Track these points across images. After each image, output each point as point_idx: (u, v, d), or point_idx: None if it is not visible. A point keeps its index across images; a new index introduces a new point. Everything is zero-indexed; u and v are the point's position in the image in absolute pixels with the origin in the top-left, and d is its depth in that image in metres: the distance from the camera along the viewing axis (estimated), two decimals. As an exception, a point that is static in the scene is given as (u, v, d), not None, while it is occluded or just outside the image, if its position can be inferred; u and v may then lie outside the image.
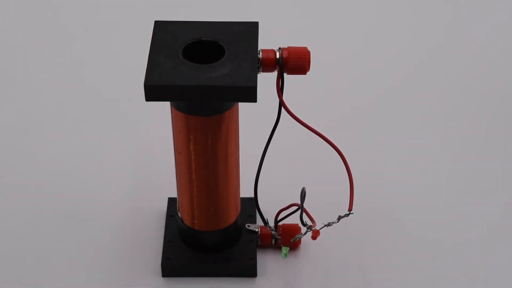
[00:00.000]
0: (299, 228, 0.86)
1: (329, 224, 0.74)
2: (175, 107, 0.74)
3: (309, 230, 0.75)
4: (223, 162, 0.77)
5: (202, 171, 0.78)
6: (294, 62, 0.72)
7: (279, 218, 0.85)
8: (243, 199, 0.87)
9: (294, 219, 0.84)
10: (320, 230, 0.73)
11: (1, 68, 1.15)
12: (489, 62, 1.17)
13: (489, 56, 1.18)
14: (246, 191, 0.87)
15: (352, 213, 0.72)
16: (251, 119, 0.93)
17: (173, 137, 0.77)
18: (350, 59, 1.16)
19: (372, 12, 1.26)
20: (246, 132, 0.85)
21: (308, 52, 0.73)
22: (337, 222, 0.73)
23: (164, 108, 0.85)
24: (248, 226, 0.86)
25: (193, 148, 0.76)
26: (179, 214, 0.84)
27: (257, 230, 0.86)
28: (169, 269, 0.84)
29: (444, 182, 0.97)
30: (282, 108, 0.73)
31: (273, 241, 0.87)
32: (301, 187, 0.78)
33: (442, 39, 1.21)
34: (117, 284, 0.85)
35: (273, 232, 0.81)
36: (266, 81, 0.79)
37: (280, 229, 0.86)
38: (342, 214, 0.73)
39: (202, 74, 0.69)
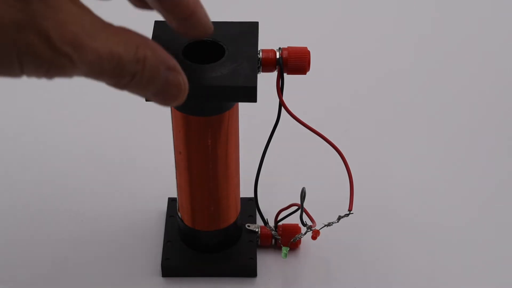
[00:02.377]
0: (299, 228, 0.86)
1: (329, 224, 0.74)
2: (175, 107, 0.74)
3: (309, 230, 0.75)
4: (223, 162, 0.77)
5: (202, 171, 0.78)
6: (294, 62, 0.72)
7: (279, 218, 0.85)
8: (243, 199, 0.87)
9: (294, 219, 0.84)
10: (320, 230, 0.73)
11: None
12: (491, 58, 1.18)
13: (492, 51, 1.19)
14: (246, 191, 0.87)
15: (352, 213, 0.72)
16: (251, 119, 0.93)
17: (173, 137, 0.77)
18: (350, 59, 1.16)
19: (373, 11, 1.26)
20: (246, 132, 0.85)
21: (308, 52, 0.73)
22: (337, 222, 0.73)
23: (164, 107, 0.85)
24: (248, 226, 0.86)
25: (193, 148, 0.76)
26: (179, 214, 0.84)
27: (257, 230, 0.86)
28: (169, 269, 0.84)
29: (446, 181, 0.97)
30: (282, 108, 0.73)
31: (273, 241, 0.87)
32: (301, 187, 0.77)
33: (444, 40, 1.21)
34: (117, 284, 0.84)
35: (273, 232, 0.81)
36: (266, 81, 0.78)
37: (280, 229, 0.86)
38: (342, 214, 0.73)
39: (202, 75, 0.69)
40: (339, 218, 0.73)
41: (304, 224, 0.76)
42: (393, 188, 0.95)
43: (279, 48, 0.73)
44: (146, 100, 0.70)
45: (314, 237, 0.73)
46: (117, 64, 0.53)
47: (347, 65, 1.15)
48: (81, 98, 1.09)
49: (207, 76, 0.69)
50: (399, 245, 0.89)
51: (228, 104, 0.74)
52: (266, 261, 0.86)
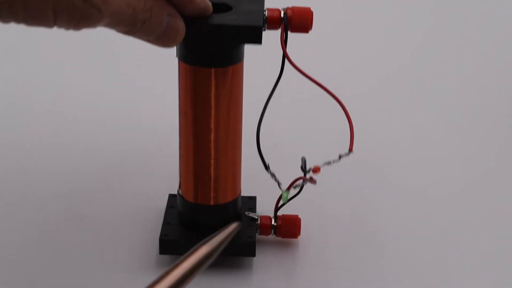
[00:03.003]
0: (299, 219, 0.86)
1: (329, 163, 0.74)
2: (183, 60, 0.77)
3: (309, 179, 0.75)
4: (224, 119, 0.79)
5: (205, 134, 0.79)
6: (297, 20, 0.76)
7: (279, 205, 0.85)
8: (243, 197, 0.88)
9: (294, 211, 0.85)
10: (320, 167, 0.73)
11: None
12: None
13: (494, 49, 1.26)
14: (246, 191, 0.88)
15: (353, 153, 0.73)
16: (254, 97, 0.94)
17: (179, 99, 0.80)
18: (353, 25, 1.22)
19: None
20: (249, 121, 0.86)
21: (311, 12, 0.77)
22: (338, 160, 0.73)
23: (163, 107, 0.88)
24: (248, 213, 0.86)
25: (198, 105, 0.78)
26: (180, 192, 0.84)
27: (256, 217, 0.86)
28: (167, 244, 0.82)
29: (450, 153, 1.01)
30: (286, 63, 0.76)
31: (273, 231, 0.86)
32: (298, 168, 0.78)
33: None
34: (117, 283, 0.82)
35: (274, 178, 0.80)
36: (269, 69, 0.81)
37: (280, 220, 0.86)
38: (343, 154, 0.73)
39: (210, 19, 0.73)
40: (340, 157, 0.73)
41: (304, 170, 0.76)
42: (395, 186, 0.97)
43: (284, 8, 0.77)
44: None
45: (314, 171, 0.73)
46: (132, 13, 0.63)
47: (349, 29, 1.20)
48: (79, 97, 1.11)
49: (214, 19, 0.73)
50: (399, 243, 0.89)
51: (233, 56, 0.77)
52: (266, 260, 0.85)
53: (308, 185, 0.79)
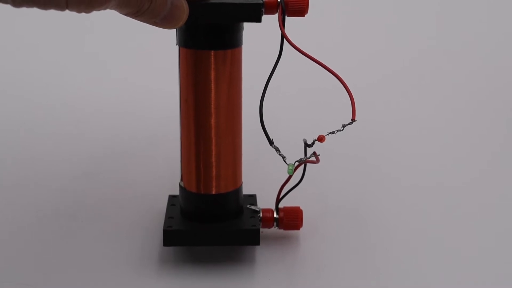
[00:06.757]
0: (301, 211, 0.87)
1: (333, 132, 0.74)
2: (184, 45, 0.79)
3: (312, 155, 0.76)
4: (225, 108, 0.80)
5: (206, 119, 0.80)
6: (294, 4, 0.79)
7: (281, 195, 0.86)
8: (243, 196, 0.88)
9: (296, 202, 0.85)
10: (325, 136, 0.74)
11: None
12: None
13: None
14: (246, 191, 0.89)
15: (356, 121, 0.74)
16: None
17: (180, 85, 0.81)
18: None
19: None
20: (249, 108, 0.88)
21: (307, -4, 0.79)
22: (342, 130, 0.74)
23: (163, 108, 0.89)
24: (250, 206, 0.86)
25: (198, 90, 0.79)
26: (182, 184, 0.84)
27: (258, 210, 0.86)
28: (170, 236, 0.82)
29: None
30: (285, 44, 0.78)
31: (275, 224, 0.86)
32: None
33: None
34: (117, 284, 0.82)
35: (279, 152, 0.80)
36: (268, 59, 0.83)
37: (282, 212, 0.86)
38: (346, 123, 0.74)
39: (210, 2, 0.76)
40: (343, 126, 0.74)
41: (307, 145, 0.76)
42: (396, 180, 0.98)
43: (281, -7, 0.79)
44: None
45: (319, 140, 0.73)
46: None
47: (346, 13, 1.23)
48: (81, 100, 1.12)
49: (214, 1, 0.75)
50: (398, 234, 0.89)
51: (232, 40, 0.78)
52: (266, 260, 0.85)
53: (309, 177, 0.79)
